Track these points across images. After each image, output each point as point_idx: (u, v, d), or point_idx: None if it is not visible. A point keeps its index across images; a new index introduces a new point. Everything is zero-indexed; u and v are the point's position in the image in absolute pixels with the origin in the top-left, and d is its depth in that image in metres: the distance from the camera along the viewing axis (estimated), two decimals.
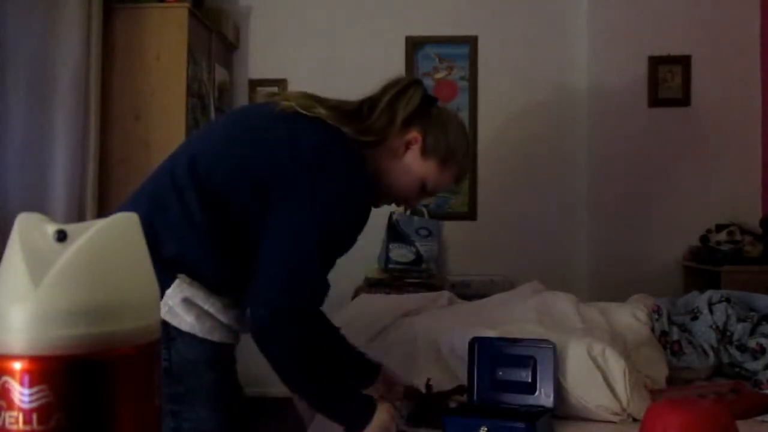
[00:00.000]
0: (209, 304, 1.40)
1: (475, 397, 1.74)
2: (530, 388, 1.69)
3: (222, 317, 1.42)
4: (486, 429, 1.52)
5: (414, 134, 1.55)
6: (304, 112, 1.46)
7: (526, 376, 1.70)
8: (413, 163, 1.57)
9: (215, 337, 1.41)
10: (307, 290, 1.41)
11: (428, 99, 1.60)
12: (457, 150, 1.60)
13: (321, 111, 1.46)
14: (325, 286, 1.43)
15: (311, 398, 1.50)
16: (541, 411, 1.63)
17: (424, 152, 1.57)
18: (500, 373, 1.73)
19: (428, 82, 4.19)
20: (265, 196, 1.40)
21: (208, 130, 1.58)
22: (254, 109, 1.63)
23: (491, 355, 1.74)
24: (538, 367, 1.69)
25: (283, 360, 1.40)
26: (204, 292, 1.39)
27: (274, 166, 1.42)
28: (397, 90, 1.55)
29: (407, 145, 1.56)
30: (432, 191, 1.64)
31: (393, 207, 1.65)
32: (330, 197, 1.41)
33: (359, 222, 1.49)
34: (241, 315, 1.47)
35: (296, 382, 1.45)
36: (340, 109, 1.50)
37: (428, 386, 1.74)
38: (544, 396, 1.67)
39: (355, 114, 1.53)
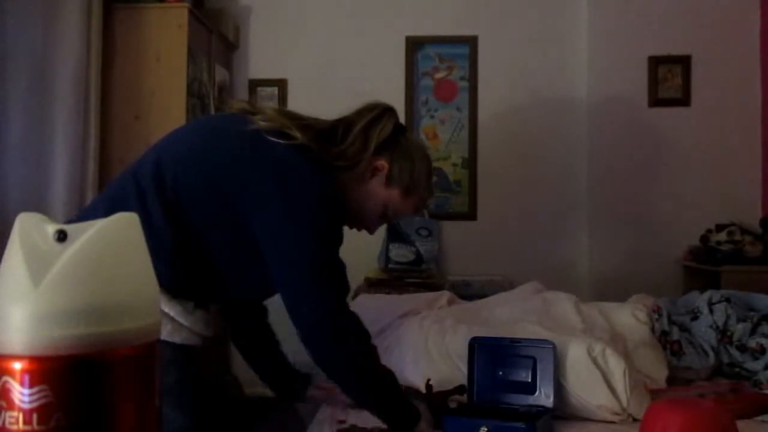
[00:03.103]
0: (170, 308, 1.43)
1: (475, 397, 1.74)
2: (530, 388, 1.69)
3: (183, 320, 1.45)
4: (486, 429, 1.52)
5: (381, 162, 1.59)
6: (279, 129, 1.48)
7: (526, 376, 1.70)
8: (377, 189, 1.61)
9: (176, 339, 1.44)
10: (336, 294, 1.48)
11: (399, 128, 1.64)
12: (420, 181, 1.65)
13: (295, 133, 1.48)
14: (347, 284, 1.52)
15: (372, 398, 1.56)
16: (541, 411, 1.63)
17: (389, 180, 1.61)
18: (500, 373, 1.73)
19: (428, 82, 4.20)
20: (233, 210, 1.44)
21: (174, 137, 1.58)
22: (225, 122, 1.61)
23: (491, 355, 1.74)
24: (538, 367, 1.69)
25: (352, 369, 1.50)
26: (165, 295, 1.42)
27: (243, 183, 1.44)
28: (372, 116, 1.59)
29: (373, 172, 1.60)
30: (393, 217, 1.69)
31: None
32: (310, 204, 1.45)
33: (341, 219, 1.55)
34: (206, 317, 1.50)
35: (366, 387, 1.54)
36: (314, 129, 1.52)
37: (428, 386, 1.74)
38: (544, 396, 1.67)
39: (330, 136, 1.56)
